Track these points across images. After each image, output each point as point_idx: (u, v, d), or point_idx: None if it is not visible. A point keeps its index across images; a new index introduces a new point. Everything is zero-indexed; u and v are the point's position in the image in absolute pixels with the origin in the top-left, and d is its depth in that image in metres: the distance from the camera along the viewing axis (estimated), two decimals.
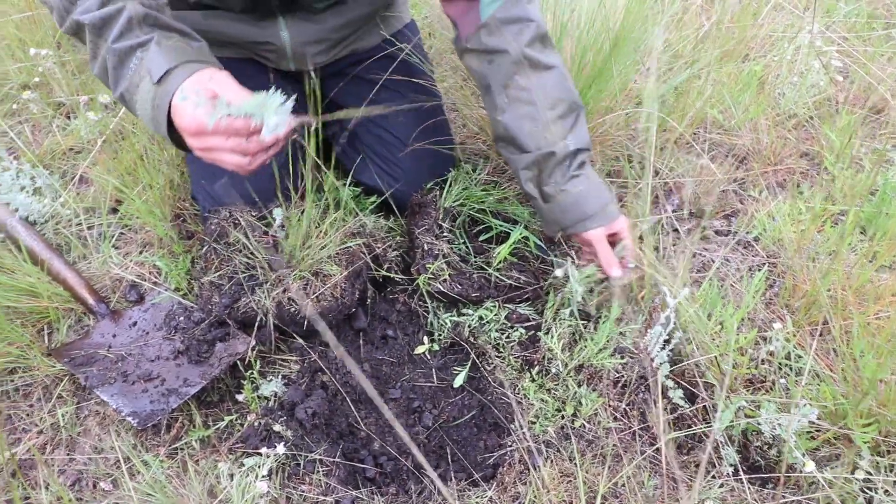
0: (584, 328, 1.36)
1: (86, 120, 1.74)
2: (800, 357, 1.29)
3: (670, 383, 1.28)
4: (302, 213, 1.37)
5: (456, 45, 1.33)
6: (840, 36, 2.02)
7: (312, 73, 1.44)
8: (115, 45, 1.01)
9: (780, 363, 1.28)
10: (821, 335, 1.33)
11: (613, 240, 1.31)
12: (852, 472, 1.13)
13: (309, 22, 1.37)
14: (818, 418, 1.16)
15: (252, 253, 1.33)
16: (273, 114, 0.97)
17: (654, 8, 1.97)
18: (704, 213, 1.61)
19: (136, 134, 1.65)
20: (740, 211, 1.65)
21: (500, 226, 1.52)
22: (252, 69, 1.44)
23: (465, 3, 1.25)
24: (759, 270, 1.42)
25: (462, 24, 1.28)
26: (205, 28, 1.33)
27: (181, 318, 1.33)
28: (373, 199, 1.58)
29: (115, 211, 1.59)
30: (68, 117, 1.85)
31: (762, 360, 1.29)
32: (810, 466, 1.11)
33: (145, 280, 1.44)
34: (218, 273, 1.32)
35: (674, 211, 1.62)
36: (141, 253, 1.50)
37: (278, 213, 1.39)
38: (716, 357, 1.23)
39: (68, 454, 1.20)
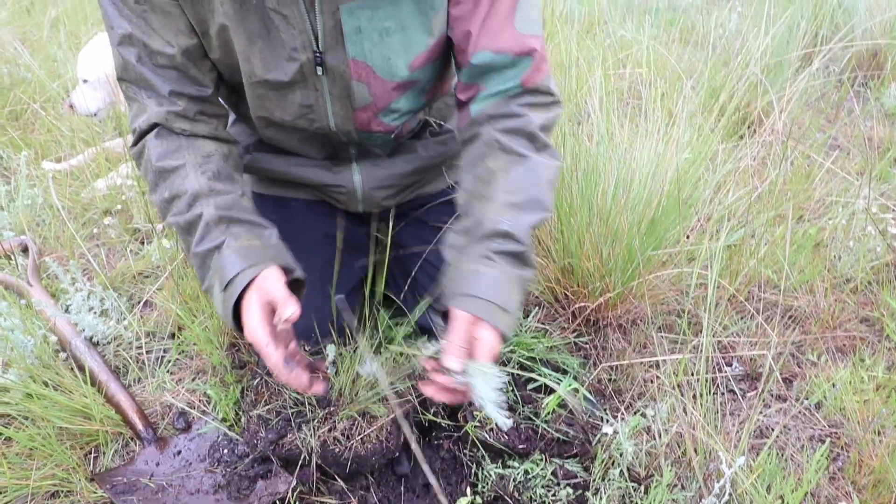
0: (635, 491, 1.30)
1: (160, 246, 1.84)
2: None
3: None
4: (354, 350, 1.38)
5: None
6: None
7: (378, 214, 1.52)
8: (196, 250, 1.13)
9: None
10: None
11: (472, 349, 1.08)
12: None
13: (379, 167, 1.46)
14: None
15: None
16: (491, 390, 1.03)
17: (708, 167, 2.03)
18: (761, 375, 1.57)
19: None
20: (798, 375, 1.60)
21: (549, 375, 1.50)
22: (323, 210, 1.53)
23: (464, 109, 1.27)
24: (822, 442, 1.36)
25: (459, 124, 1.31)
26: (286, 172, 1.44)
27: (225, 451, 1.33)
28: (424, 339, 1.59)
29: (174, 336, 1.64)
30: (142, 243, 1.96)
31: None
32: None
33: (194, 408, 1.46)
34: (267, 407, 1.32)
35: (728, 368, 1.58)
36: (193, 380, 1.53)
37: (331, 350, 1.41)
38: None
39: None
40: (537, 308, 1.65)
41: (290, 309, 1.03)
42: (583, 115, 2.00)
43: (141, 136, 1.18)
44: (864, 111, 2.70)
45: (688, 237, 1.86)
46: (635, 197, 1.62)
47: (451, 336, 1.07)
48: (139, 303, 1.72)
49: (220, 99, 1.28)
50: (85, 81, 2.24)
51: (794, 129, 2.52)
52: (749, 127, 2.46)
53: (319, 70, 1.18)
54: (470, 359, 1.06)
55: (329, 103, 1.25)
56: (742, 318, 1.72)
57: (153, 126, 1.17)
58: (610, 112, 1.83)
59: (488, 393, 1.03)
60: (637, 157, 1.71)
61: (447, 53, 1.30)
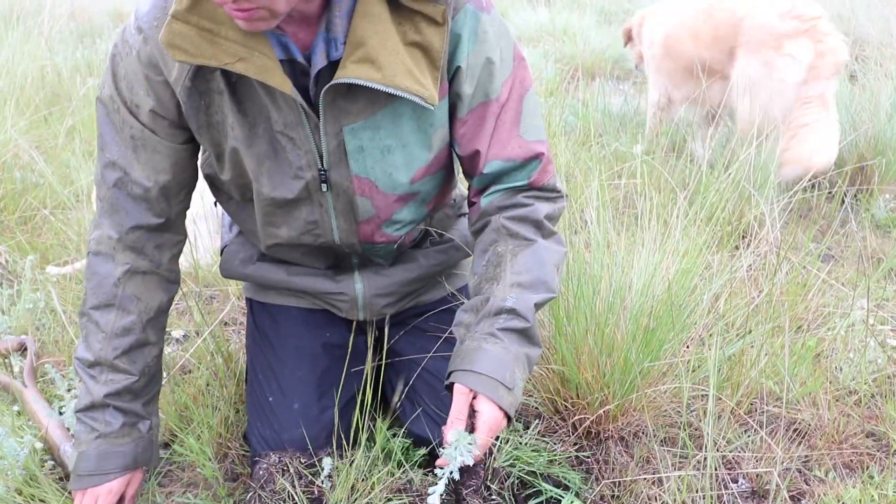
0: None
1: None
2: None
3: None
4: (351, 463, 1.35)
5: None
6: (893, 315, 2.04)
7: (375, 322, 1.53)
8: (77, 411, 1.31)
9: None
10: None
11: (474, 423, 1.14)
12: None
13: (381, 275, 1.49)
14: None
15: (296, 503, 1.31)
16: (464, 451, 1.08)
17: (703, 276, 2.05)
18: (769, 492, 1.52)
19: (199, 369, 1.72)
20: (807, 493, 1.55)
21: (551, 491, 1.46)
22: (322, 319, 1.55)
23: (475, 205, 1.34)
24: None
25: (469, 219, 1.38)
26: (287, 282, 1.47)
27: None
28: (422, 451, 1.56)
29: (166, 446, 1.60)
30: None
31: None
32: None
33: None
34: None
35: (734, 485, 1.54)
36: (184, 493, 1.49)
37: (327, 463, 1.38)
38: None
39: None
40: (537, 420, 1.63)
41: None
42: (580, 224, 2.04)
43: (89, 252, 1.30)
44: (857, 222, 2.76)
45: (688, 347, 1.85)
46: (632, 306, 1.63)
47: (452, 409, 1.13)
48: None
49: (180, 225, 1.35)
50: None
51: (788, 239, 2.56)
52: (743, 238, 2.51)
53: (324, 187, 1.23)
54: (468, 432, 1.11)
55: (333, 218, 1.29)
56: (746, 432, 1.69)
57: (99, 252, 1.28)
58: (606, 222, 1.87)
59: (455, 460, 1.07)
60: (633, 266, 1.74)
61: (448, 166, 1.36)
